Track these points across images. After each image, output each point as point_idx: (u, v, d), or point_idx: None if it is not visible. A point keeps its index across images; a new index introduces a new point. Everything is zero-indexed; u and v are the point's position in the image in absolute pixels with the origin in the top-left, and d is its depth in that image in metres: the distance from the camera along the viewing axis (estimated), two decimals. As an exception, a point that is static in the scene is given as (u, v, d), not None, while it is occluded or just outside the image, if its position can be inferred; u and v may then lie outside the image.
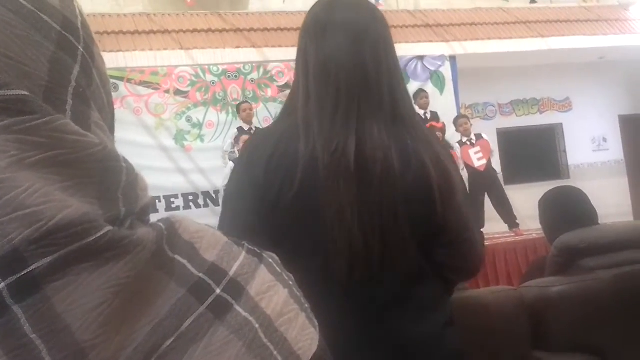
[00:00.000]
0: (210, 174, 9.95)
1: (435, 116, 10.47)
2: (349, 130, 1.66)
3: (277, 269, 0.66)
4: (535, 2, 13.02)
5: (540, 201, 3.26)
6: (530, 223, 9.72)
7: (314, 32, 1.77)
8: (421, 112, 10.35)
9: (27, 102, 0.56)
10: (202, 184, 10.01)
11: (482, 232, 2.01)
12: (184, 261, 0.60)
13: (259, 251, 0.66)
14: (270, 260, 0.66)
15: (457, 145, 10.19)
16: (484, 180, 9.99)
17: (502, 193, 10.07)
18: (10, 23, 0.58)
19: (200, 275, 0.59)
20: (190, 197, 9.94)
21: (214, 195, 10.05)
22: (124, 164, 0.61)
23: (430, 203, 1.69)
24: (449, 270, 1.80)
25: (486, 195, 10.06)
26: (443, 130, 10.19)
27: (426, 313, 1.76)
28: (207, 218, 9.57)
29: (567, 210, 3.06)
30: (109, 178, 0.59)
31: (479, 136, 10.37)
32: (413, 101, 10.22)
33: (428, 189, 1.68)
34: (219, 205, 9.93)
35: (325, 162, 1.63)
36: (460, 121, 10.40)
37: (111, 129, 0.68)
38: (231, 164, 9.22)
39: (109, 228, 0.55)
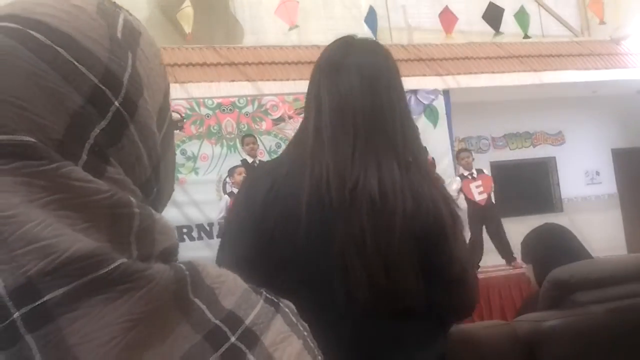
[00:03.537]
0: (204, 207, 9.94)
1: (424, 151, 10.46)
2: (369, 167, 1.70)
3: (293, 319, 0.66)
4: (529, 37, 13.11)
5: (525, 239, 3.28)
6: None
7: (329, 71, 1.82)
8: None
9: (35, 148, 0.58)
10: (196, 217, 9.99)
11: (476, 274, 2.05)
12: (203, 306, 0.60)
13: (276, 300, 0.66)
14: (287, 309, 0.67)
15: (459, 178, 10.27)
16: (483, 214, 10.03)
17: (500, 227, 10.09)
18: (37, 73, 0.60)
19: (217, 322, 0.60)
20: (184, 230, 9.91)
21: (207, 228, 10.03)
22: (137, 209, 0.62)
23: (439, 241, 1.73)
24: (444, 310, 1.81)
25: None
26: (433, 165, 10.17)
27: (420, 350, 1.77)
28: (201, 251, 9.55)
29: (558, 246, 3.07)
30: (118, 223, 0.60)
31: (480, 171, 10.42)
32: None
33: (439, 228, 1.72)
34: (213, 238, 9.91)
35: (343, 197, 1.66)
36: (462, 154, 10.48)
37: (150, 182, 0.69)
38: (226, 197, 9.22)
39: (122, 260, 0.56)
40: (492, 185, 10.34)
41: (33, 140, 0.58)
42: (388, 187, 1.69)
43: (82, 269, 0.54)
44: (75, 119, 0.61)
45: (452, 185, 10.14)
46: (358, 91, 1.77)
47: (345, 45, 1.88)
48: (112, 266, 0.56)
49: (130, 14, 0.71)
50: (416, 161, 1.80)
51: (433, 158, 10.29)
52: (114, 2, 0.71)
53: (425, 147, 8.95)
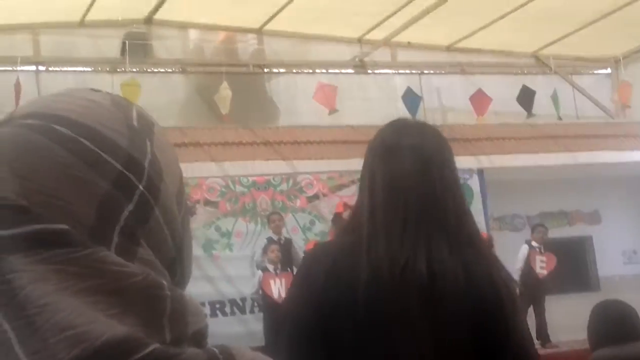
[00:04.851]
0: (238, 282, 9.92)
1: None
2: (418, 248, 1.72)
3: None
4: (561, 119, 13.15)
5: (590, 313, 3.21)
6: (561, 335, 9.53)
7: (382, 154, 1.86)
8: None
9: (69, 235, 0.61)
10: (229, 292, 9.97)
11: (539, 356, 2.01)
12: None
13: None
14: None
15: (527, 245, 10.62)
16: (534, 286, 10.10)
17: (543, 308, 10.11)
18: (65, 163, 0.64)
19: None
20: (217, 305, 9.89)
21: (240, 303, 9.99)
22: (169, 292, 0.64)
23: (497, 323, 1.72)
24: None
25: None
26: (490, 242, 10.18)
27: None
28: (233, 326, 9.51)
29: (608, 325, 3.01)
30: (151, 307, 0.62)
31: (547, 248, 10.80)
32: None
33: (496, 309, 1.72)
34: (245, 314, 9.88)
35: (394, 277, 1.68)
36: (539, 229, 11.05)
37: (175, 263, 0.71)
38: (259, 273, 9.25)
39: (155, 345, 0.58)
40: (554, 267, 10.58)
41: (67, 227, 0.61)
42: (437, 268, 1.70)
43: (116, 355, 0.56)
44: (104, 203, 0.64)
45: (520, 252, 10.50)
46: (411, 173, 1.80)
47: (398, 128, 1.92)
48: (145, 352, 0.57)
49: (141, 107, 0.75)
50: (472, 242, 1.81)
51: (490, 234, 10.28)
52: (124, 97, 0.75)
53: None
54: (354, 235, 1.81)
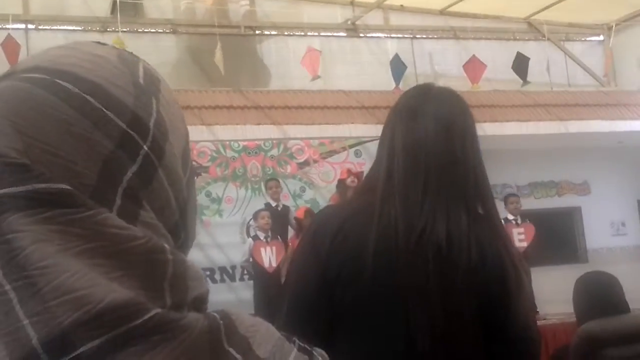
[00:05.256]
0: (228, 249, 9.94)
1: None
2: (438, 214, 1.71)
3: None
4: (552, 89, 13.17)
5: (574, 285, 3.23)
6: (549, 307, 9.58)
7: (405, 116, 1.84)
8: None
9: (71, 196, 0.58)
10: (219, 259, 9.99)
11: (539, 332, 2.03)
12: (238, 356, 0.60)
13: (309, 348, 0.67)
14: (320, 358, 0.67)
15: (502, 222, 10.21)
16: None
17: (529, 280, 10.09)
18: (68, 121, 0.61)
19: None
20: (207, 272, 9.83)
21: (230, 271, 10.02)
22: (171, 255, 0.62)
23: (501, 297, 1.73)
24: None
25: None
26: None
27: None
28: (223, 294, 9.52)
29: (594, 297, 3.02)
30: (152, 270, 0.60)
31: (524, 219, 10.53)
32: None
33: (501, 284, 1.72)
34: (235, 281, 9.90)
35: (409, 242, 1.68)
36: (512, 199, 10.63)
37: (178, 226, 0.69)
38: (250, 241, 9.24)
39: (156, 310, 0.57)
40: (534, 236, 10.37)
41: (69, 187, 0.58)
42: (454, 237, 1.69)
43: (117, 319, 0.55)
44: (107, 164, 0.61)
45: None
46: (432, 138, 1.79)
47: (423, 93, 1.91)
48: (147, 316, 0.56)
49: (147, 63, 0.72)
50: (487, 213, 1.81)
51: None
52: (132, 52, 0.72)
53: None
54: (367, 195, 1.81)
